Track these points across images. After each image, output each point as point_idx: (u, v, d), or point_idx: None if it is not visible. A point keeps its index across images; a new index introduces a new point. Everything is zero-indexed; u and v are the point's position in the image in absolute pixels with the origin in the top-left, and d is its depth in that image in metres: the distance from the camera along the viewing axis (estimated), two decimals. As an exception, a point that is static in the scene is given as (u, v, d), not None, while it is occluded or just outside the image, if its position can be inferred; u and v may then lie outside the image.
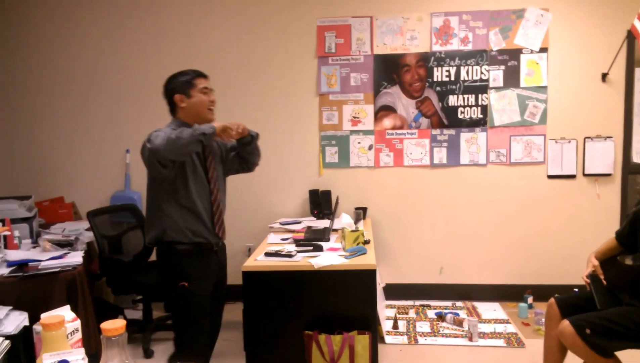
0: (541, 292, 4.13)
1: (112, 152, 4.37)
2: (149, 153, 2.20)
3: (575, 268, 4.00)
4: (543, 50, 4.15)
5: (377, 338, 2.70)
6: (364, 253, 2.88)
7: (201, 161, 2.44)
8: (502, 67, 4.20)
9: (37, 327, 1.23)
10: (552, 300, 2.59)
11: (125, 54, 4.33)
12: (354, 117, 4.31)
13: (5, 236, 3.12)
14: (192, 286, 2.36)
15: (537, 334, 3.60)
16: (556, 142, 4.20)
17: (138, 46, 4.32)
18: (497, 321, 3.86)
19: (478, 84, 4.22)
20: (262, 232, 4.16)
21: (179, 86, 2.42)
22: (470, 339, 3.49)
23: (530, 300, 4.02)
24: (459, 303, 4.24)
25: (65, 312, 1.29)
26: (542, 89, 4.18)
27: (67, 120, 4.39)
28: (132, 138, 4.33)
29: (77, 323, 1.28)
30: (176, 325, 2.47)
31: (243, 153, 2.66)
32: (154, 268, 3.65)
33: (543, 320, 3.63)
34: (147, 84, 4.29)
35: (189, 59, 4.24)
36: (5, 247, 3.11)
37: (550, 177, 4.23)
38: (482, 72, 4.21)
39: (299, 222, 3.91)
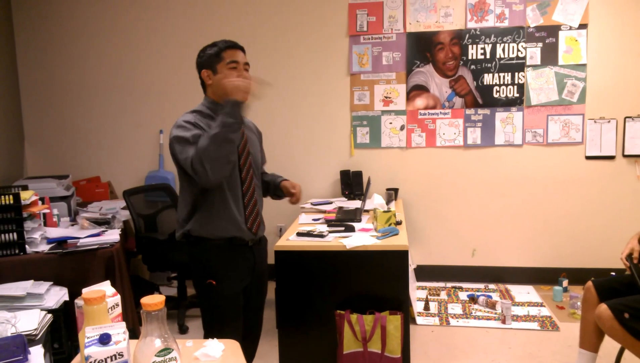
0: (576, 276, 4.05)
1: (146, 133, 4.44)
2: (199, 180, 1.95)
3: (612, 252, 3.90)
4: (582, 26, 4.00)
5: (408, 319, 2.69)
6: (396, 234, 2.86)
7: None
8: (540, 44, 4.07)
9: (78, 302, 1.26)
10: (589, 283, 2.53)
11: (158, 34, 4.36)
12: (386, 97, 4.25)
13: (44, 214, 3.21)
14: (220, 285, 2.12)
15: (573, 318, 3.54)
16: (595, 122, 4.07)
17: (171, 25, 4.34)
18: (530, 304, 3.80)
19: (514, 62, 4.10)
20: (293, 212, 4.18)
21: (206, 60, 2.13)
22: (504, 322, 3.45)
23: (565, 283, 3.95)
24: (492, 286, 4.19)
25: (105, 287, 1.32)
26: (581, 67, 4.03)
27: (102, 102, 4.46)
28: (165, 118, 4.38)
29: (117, 298, 1.30)
30: (205, 325, 2.22)
31: (269, 190, 2.50)
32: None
33: (579, 303, 3.57)
34: (180, 63, 4.32)
35: (219, 37, 4.22)
36: (45, 225, 3.21)
37: (588, 158, 4.11)
38: (518, 50, 4.08)
39: (330, 203, 3.91)
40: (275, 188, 2.46)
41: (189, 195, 2.12)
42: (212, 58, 2.12)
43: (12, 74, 4.22)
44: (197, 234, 2.12)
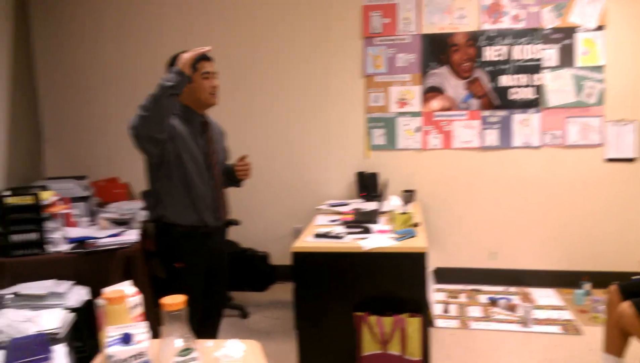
0: (598, 279, 3.98)
1: (163, 135, 4.47)
2: (133, 140, 2.15)
3: (634, 255, 3.84)
4: (600, 28, 3.95)
5: (428, 321, 2.67)
6: (414, 236, 2.84)
7: (200, 143, 2.39)
8: (556, 46, 4.02)
9: (100, 301, 1.27)
10: (613, 286, 2.49)
11: (175, 35, 4.38)
12: (401, 98, 4.24)
13: (64, 214, 3.25)
14: (186, 267, 2.36)
15: (595, 322, 3.48)
16: (614, 124, 4.00)
17: (186, 27, 4.36)
18: (552, 307, 3.75)
19: (531, 63, 4.06)
20: (309, 213, 4.17)
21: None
22: (525, 325, 3.41)
23: (587, 286, 3.89)
24: (512, 289, 4.14)
25: (126, 287, 1.33)
26: (599, 68, 3.98)
27: (120, 104, 4.49)
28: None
29: (139, 298, 1.31)
30: None
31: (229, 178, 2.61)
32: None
33: (601, 307, 3.52)
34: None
35: (233, 38, 4.27)
36: (65, 225, 3.24)
37: (607, 160, 4.05)
38: (534, 52, 4.04)
39: (347, 204, 3.90)
40: (229, 173, 2.59)
41: (157, 183, 2.35)
42: None
43: (31, 76, 4.28)
44: (167, 220, 2.34)
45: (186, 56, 2.11)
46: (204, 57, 2.34)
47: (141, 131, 2.10)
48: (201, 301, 2.44)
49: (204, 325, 2.51)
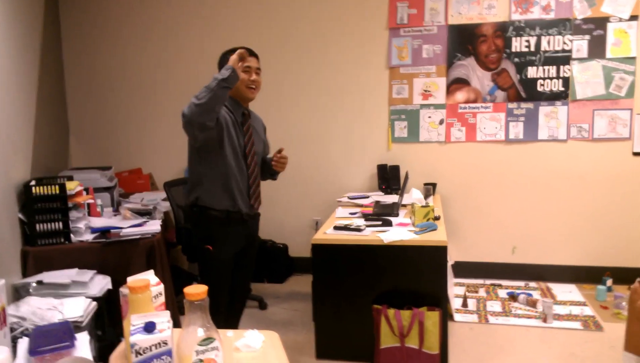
0: (621, 275, 3.91)
1: (185, 125, 4.50)
2: (185, 126, 2.26)
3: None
4: (633, 18, 3.84)
5: (446, 315, 2.65)
6: (434, 229, 2.82)
7: (239, 133, 2.48)
8: (587, 36, 3.92)
9: (123, 290, 1.28)
10: (637, 282, 2.43)
11: (197, 28, 4.41)
12: (425, 90, 4.19)
13: (89, 204, 3.30)
14: (216, 250, 2.44)
15: (617, 318, 3.42)
16: (645, 116, 3.91)
17: (210, 19, 4.38)
18: (573, 303, 3.69)
19: (560, 55, 3.97)
20: (329, 206, 4.18)
21: (224, 62, 2.44)
22: (545, 320, 3.37)
23: (609, 282, 3.81)
24: (532, 284, 4.09)
25: (150, 276, 1.34)
26: (631, 60, 3.88)
27: (143, 97, 4.55)
28: (204, 111, 4.43)
29: (161, 287, 1.32)
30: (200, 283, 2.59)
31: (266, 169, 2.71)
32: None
33: (624, 303, 3.45)
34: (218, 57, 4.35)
35: (258, 32, 4.27)
36: (89, 214, 3.30)
37: (636, 154, 3.95)
38: (564, 43, 3.95)
39: (367, 196, 3.89)
40: (266, 165, 2.68)
41: (197, 168, 2.45)
42: (228, 60, 2.40)
43: (59, 70, 4.35)
44: (202, 203, 2.44)
45: (234, 56, 2.27)
46: (247, 53, 2.43)
47: (193, 118, 2.21)
48: (228, 286, 2.53)
49: (227, 310, 2.59)
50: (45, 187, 2.96)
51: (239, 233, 2.52)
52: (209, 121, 2.25)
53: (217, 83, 2.20)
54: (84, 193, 3.25)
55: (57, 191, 2.97)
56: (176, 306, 3.13)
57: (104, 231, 3.07)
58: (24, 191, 3.04)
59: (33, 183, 3.05)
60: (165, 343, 1.09)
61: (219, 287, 2.46)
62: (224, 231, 2.46)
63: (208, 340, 1.10)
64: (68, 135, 4.49)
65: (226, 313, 2.58)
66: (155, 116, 4.56)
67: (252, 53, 2.48)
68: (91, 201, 3.32)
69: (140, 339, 1.07)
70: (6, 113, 3.09)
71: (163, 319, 1.13)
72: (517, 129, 4.08)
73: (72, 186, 3.05)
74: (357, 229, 2.84)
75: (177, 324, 1.27)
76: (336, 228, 2.89)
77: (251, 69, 2.46)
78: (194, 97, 2.20)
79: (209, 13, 4.39)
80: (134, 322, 1.11)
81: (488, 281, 4.16)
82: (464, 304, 3.67)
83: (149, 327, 1.09)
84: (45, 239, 2.97)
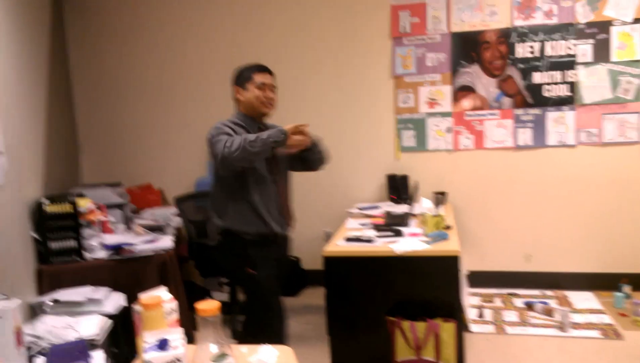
0: (638, 281, 3.86)
1: (195, 140, 4.52)
2: (222, 159, 2.28)
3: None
4: (637, 21, 3.83)
5: (462, 326, 2.63)
6: (446, 239, 2.81)
7: None
8: (591, 41, 3.91)
9: (137, 307, 1.29)
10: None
11: (206, 44, 4.45)
12: (431, 99, 4.19)
13: (101, 221, 3.32)
14: (260, 272, 2.45)
15: (637, 325, 3.37)
16: (654, 120, 3.88)
17: (218, 35, 4.42)
18: (590, 311, 3.65)
19: (565, 59, 3.96)
20: (339, 217, 4.17)
21: (238, 78, 2.52)
22: (562, 330, 3.32)
23: (626, 289, 3.76)
24: (549, 292, 4.04)
25: (162, 293, 1.34)
26: (637, 63, 3.86)
27: (152, 113, 4.59)
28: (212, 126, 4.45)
29: (174, 304, 1.33)
30: (249, 309, 2.58)
31: (304, 156, 2.64)
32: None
33: (643, 310, 3.41)
34: (228, 72, 4.38)
35: (262, 44, 4.30)
36: (102, 231, 3.32)
37: (646, 157, 3.93)
38: (568, 47, 3.94)
39: (377, 207, 3.88)
40: (299, 160, 2.64)
41: (224, 192, 2.45)
42: (243, 77, 2.50)
43: (67, 87, 4.40)
44: (234, 230, 2.44)
45: (290, 127, 2.30)
46: (262, 69, 2.49)
47: (236, 160, 2.24)
48: (279, 301, 2.55)
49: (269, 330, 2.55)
50: (57, 205, 2.99)
51: (276, 253, 2.56)
52: (249, 164, 2.31)
53: (272, 142, 2.24)
54: (96, 210, 3.27)
55: (70, 209, 2.99)
56: (191, 322, 3.13)
57: (117, 248, 3.08)
58: (36, 210, 3.07)
59: (45, 201, 3.07)
60: (179, 361, 1.09)
61: (271, 309, 2.50)
62: (262, 253, 2.47)
63: (222, 356, 1.10)
64: (78, 151, 4.53)
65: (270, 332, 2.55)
66: (164, 132, 4.59)
67: (267, 70, 2.51)
68: (103, 218, 3.34)
69: (154, 356, 1.07)
70: (17, 131, 3.12)
71: (176, 336, 1.13)
72: (525, 136, 4.07)
73: (84, 204, 3.08)
74: (369, 240, 2.83)
75: (191, 339, 1.27)
76: (347, 239, 2.88)
77: (265, 86, 2.48)
78: (247, 143, 2.21)
79: (215, 26, 4.42)
80: (147, 339, 1.12)
81: (504, 291, 4.11)
82: (480, 315, 3.63)
83: (163, 344, 1.09)
84: (59, 257, 2.98)
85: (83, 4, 4.49)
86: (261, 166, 2.44)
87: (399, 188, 4.15)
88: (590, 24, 3.90)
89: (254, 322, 2.53)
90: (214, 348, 1.10)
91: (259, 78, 2.47)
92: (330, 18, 4.27)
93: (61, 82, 4.20)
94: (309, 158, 2.59)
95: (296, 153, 2.51)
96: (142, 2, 4.48)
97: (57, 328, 2.35)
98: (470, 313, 3.63)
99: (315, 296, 4.10)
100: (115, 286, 2.90)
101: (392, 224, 3.13)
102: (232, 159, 2.24)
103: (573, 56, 3.95)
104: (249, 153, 2.22)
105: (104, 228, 3.36)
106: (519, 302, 3.86)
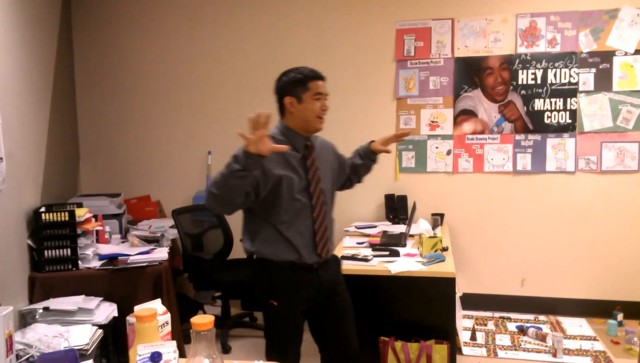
0: (632, 309, 3.85)
1: (195, 154, 4.54)
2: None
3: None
4: (638, 52, 3.88)
5: (455, 348, 2.61)
6: (442, 261, 2.81)
7: (300, 171, 2.16)
8: (593, 70, 3.96)
9: (130, 319, 1.29)
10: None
11: (206, 57, 4.48)
12: (432, 121, 4.22)
13: (97, 231, 3.32)
14: (280, 305, 2.15)
15: (629, 354, 3.35)
16: (653, 150, 3.91)
17: (219, 48, 4.45)
18: (583, 337, 3.63)
19: (567, 87, 4.00)
20: (336, 235, 4.15)
21: (290, 87, 2.13)
22: (555, 355, 3.31)
23: (620, 317, 3.75)
24: (542, 317, 4.03)
25: (156, 305, 1.34)
26: (637, 93, 3.90)
27: (152, 124, 4.60)
28: (213, 139, 4.47)
29: (168, 317, 1.33)
30: (267, 344, 2.28)
31: (360, 168, 2.55)
32: (233, 267, 3.77)
33: (635, 339, 3.39)
34: (228, 85, 4.42)
35: (268, 61, 4.32)
36: (97, 241, 3.31)
37: (645, 187, 3.94)
38: (571, 75, 3.99)
39: (375, 226, 3.88)
40: (365, 161, 2.58)
41: (252, 217, 2.17)
42: (298, 86, 2.13)
43: (71, 96, 4.43)
44: (262, 255, 2.15)
45: (248, 136, 1.77)
46: (317, 76, 2.16)
47: (214, 211, 2.01)
48: (298, 342, 2.26)
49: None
50: (54, 214, 2.99)
51: (309, 283, 2.19)
52: (228, 213, 2.03)
53: (231, 173, 1.82)
54: (93, 219, 3.27)
55: (67, 218, 2.99)
56: (181, 335, 3.11)
57: (112, 258, 3.07)
58: (33, 218, 3.07)
59: (43, 209, 3.07)
60: (171, 374, 1.09)
61: (285, 346, 2.19)
62: (288, 284, 2.15)
63: (214, 371, 1.10)
64: (78, 161, 4.54)
65: None
66: (165, 144, 4.60)
67: (322, 77, 2.19)
68: (100, 228, 3.34)
69: (146, 369, 1.07)
70: (19, 139, 3.14)
71: (169, 349, 1.13)
72: (524, 161, 4.09)
73: (81, 213, 3.07)
74: (365, 259, 2.83)
75: (182, 353, 1.27)
76: (343, 257, 2.88)
77: (322, 96, 2.15)
78: (211, 184, 1.88)
79: (221, 39, 4.46)
80: (140, 351, 1.11)
81: (497, 314, 4.10)
82: (473, 337, 3.62)
83: (155, 357, 1.09)
84: (53, 265, 2.98)
85: (89, 16, 4.53)
86: (293, 187, 2.11)
87: (396, 208, 4.16)
88: (592, 54, 3.95)
89: (271, 357, 2.22)
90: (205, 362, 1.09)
91: (315, 87, 2.13)
92: (336, 40, 4.31)
93: (65, 91, 4.23)
94: (365, 166, 2.56)
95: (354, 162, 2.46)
96: (149, 17, 4.53)
97: (47, 336, 2.33)
98: (463, 336, 3.62)
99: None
100: (109, 297, 2.89)
101: (389, 244, 3.13)
102: (212, 210, 1.98)
103: (575, 84, 3.99)
104: (216, 196, 1.89)
105: (100, 238, 3.35)
106: (512, 326, 3.84)
